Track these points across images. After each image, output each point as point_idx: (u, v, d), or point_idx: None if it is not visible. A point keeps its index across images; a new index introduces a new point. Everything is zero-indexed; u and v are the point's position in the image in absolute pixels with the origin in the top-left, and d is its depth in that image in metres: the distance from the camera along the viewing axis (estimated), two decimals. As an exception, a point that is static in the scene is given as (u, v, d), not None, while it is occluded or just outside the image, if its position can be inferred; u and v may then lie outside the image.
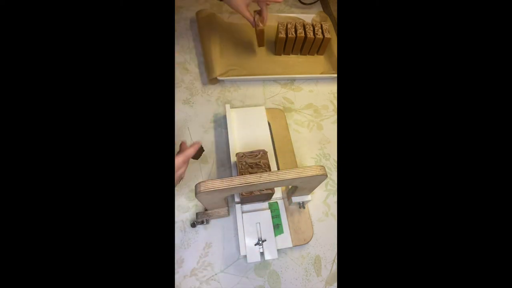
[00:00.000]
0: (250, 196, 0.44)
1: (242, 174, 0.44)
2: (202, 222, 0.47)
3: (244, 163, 0.45)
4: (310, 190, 0.44)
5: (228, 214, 0.48)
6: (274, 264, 0.47)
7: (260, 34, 0.63)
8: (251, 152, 0.47)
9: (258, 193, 0.44)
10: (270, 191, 0.44)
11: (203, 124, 0.58)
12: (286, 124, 0.59)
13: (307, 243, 0.48)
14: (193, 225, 0.47)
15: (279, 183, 0.35)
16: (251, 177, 0.34)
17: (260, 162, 0.46)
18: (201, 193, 0.33)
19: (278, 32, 0.65)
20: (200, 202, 0.40)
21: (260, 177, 0.34)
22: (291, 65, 0.69)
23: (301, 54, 0.71)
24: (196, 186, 0.34)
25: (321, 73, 0.68)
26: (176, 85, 0.63)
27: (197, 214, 0.47)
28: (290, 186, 0.49)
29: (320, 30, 0.67)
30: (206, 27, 0.69)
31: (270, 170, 0.45)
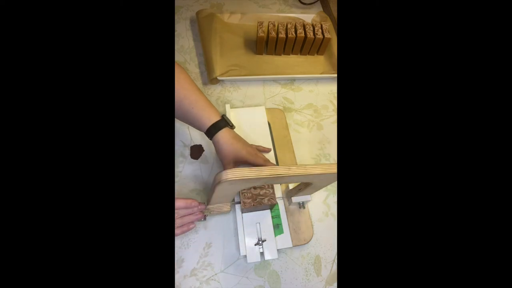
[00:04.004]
0: (252, 207, 0.44)
1: (243, 193, 0.44)
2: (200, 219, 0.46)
3: None
4: (320, 188, 0.43)
5: (230, 209, 0.47)
6: (274, 264, 0.47)
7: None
8: None
9: (261, 204, 0.43)
10: (273, 202, 0.44)
11: (203, 124, 0.58)
12: (286, 124, 0.59)
13: (307, 243, 0.48)
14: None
15: (305, 177, 0.35)
16: (280, 168, 0.33)
17: None
18: (226, 181, 0.31)
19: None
20: (213, 193, 0.39)
21: (290, 169, 0.33)
22: (291, 65, 0.69)
23: (301, 54, 0.71)
24: (219, 174, 0.32)
25: (321, 73, 0.68)
26: (176, 85, 0.63)
27: None
28: (291, 184, 0.48)
29: (320, 30, 0.67)
30: (206, 27, 0.69)
31: (273, 189, 0.45)
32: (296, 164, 0.54)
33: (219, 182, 0.32)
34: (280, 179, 0.34)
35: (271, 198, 0.44)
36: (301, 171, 0.34)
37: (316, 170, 0.34)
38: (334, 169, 0.35)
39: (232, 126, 0.48)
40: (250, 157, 0.46)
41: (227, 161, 0.46)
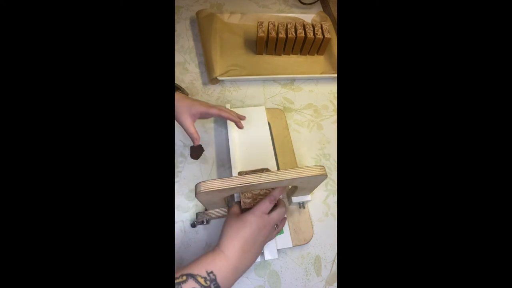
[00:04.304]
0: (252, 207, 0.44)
1: (243, 193, 0.44)
2: (202, 222, 0.47)
3: None
4: (310, 190, 0.44)
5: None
6: (274, 264, 0.47)
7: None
8: (254, 170, 0.46)
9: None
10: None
11: (203, 124, 0.58)
12: (286, 124, 0.59)
13: (307, 243, 0.48)
14: (193, 225, 0.47)
15: (278, 183, 0.35)
16: (251, 177, 0.34)
17: None
18: (201, 193, 0.33)
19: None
20: (200, 202, 0.40)
21: (260, 176, 0.34)
22: (291, 65, 0.69)
23: (301, 54, 0.71)
24: (196, 186, 0.34)
25: (321, 73, 0.68)
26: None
27: (197, 214, 0.47)
28: (290, 186, 0.48)
29: (320, 30, 0.67)
30: (206, 27, 0.69)
31: (273, 189, 0.45)
32: (296, 165, 0.54)
33: (196, 194, 0.34)
34: (252, 187, 0.35)
35: (268, 188, 0.43)
36: (272, 178, 0.34)
37: (288, 175, 0.34)
38: (309, 173, 0.35)
39: (184, 91, 0.48)
40: (204, 106, 0.47)
41: (183, 117, 0.46)
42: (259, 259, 0.43)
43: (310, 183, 0.40)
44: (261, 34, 0.64)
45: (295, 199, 0.47)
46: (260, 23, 0.65)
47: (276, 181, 0.34)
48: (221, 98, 0.62)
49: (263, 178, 0.34)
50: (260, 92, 0.65)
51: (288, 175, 0.35)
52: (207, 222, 0.47)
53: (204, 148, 0.55)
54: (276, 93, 0.65)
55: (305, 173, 0.35)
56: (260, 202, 0.39)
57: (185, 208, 0.49)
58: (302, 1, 0.82)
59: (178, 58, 0.67)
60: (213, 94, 0.63)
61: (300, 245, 0.48)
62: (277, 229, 0.41)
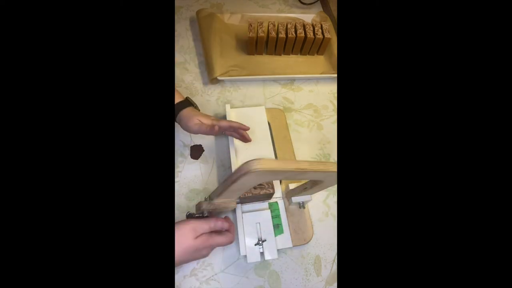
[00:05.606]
0: (250, 197, 0.44)
1: (244, 194, 0.43)
2: (200, 215, 0.41)
3: None
4: (326, 187, 0.43)
5: (235, 206, 0.45)
6: (274, 264, 0.47)
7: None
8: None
9: (258, 193, 0.43)
10: (270, 191, 0.44)
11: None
12: (286, 124, 0.59)
13: (307, 243, 0.48)
14: (190, 216, 0.42)
15: (325, 174, 0.36)
16: (305, 163, 0.34)
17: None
18: (254, 172, 0.30)
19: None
20: (230, 186, 0.37)
21: (311, 164, 0.34)
22: (291, 65, 0.69)
23: (301, 54, 0.71)
24: (248, 162, 0.31)
25: (321, 73, 0.68)
26: (176, 85, 0.63)
27: (197, 204, 0.42)
28: (301, 183, 0.47)
29: (320, 30, 0.67)
30: (206, 27, 0.69)
31: (273, 190, 0.45)
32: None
33: (247, 172, 0.31)
34: (303, 174, 0.35)
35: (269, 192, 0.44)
36: (321, 168, 0.35)
37: (334, 168, 0.35)
38: None
39: (196, 107, 0.52)
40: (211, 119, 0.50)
41: (192, 123, 0.49)
42: (259, 259, 0.43)
43: (333, 180, 0.40)
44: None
45: (295, 199, 0.47)
46: (260, 23, 0.65)
47: (324, 171, 0.35)
48: (221, 98, 0.62)
49: (315, 166, 0.34)
50: (260, 92, 0.65)
51: (333, 167, 0.35)
52: (206, 215, 0.42)
53: (204, 148, 0.56)
54: (276, 93, 0.65)
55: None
56: (200, 221, 0.39)
57: (185, 208, 0.49)
58: (302, 1, 0.82)
59: (178, 58, 0.67)
60: (213, 94, 0.63)
61: (300, 245, 0.48)
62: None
